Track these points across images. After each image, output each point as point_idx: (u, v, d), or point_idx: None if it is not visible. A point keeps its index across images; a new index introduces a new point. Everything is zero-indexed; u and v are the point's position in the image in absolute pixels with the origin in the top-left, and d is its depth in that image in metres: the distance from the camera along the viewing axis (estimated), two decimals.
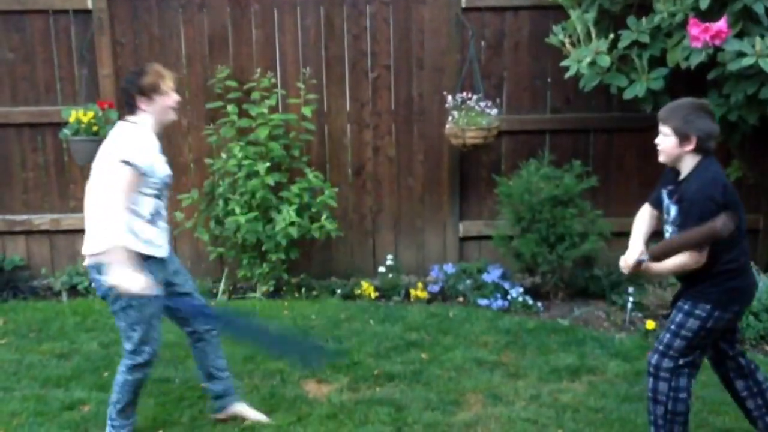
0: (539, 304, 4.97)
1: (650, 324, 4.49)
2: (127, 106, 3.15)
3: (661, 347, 2.98)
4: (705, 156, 2.90)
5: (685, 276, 3.00)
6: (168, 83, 3.14)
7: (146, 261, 3.05)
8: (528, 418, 3.47)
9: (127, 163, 2.97)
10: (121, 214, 2.96)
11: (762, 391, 3.12)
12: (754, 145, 5.07)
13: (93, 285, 3.11)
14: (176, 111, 3.20)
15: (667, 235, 3.05)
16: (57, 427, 3.39)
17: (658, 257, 2.94)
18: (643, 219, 3.21)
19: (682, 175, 2.95)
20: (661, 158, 2.99)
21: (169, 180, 3.17)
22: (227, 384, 3.45)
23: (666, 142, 2.93)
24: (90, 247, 3.07)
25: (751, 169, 5.04)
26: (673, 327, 2.96)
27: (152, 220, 3.11)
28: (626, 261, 3.05)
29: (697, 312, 2.92)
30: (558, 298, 5.10)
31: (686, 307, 2.95)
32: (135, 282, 2.90)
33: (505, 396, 3.70)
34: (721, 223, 2.76)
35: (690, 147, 2.88)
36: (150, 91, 3.09)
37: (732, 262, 2.91)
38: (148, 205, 3.09)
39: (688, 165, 2.92)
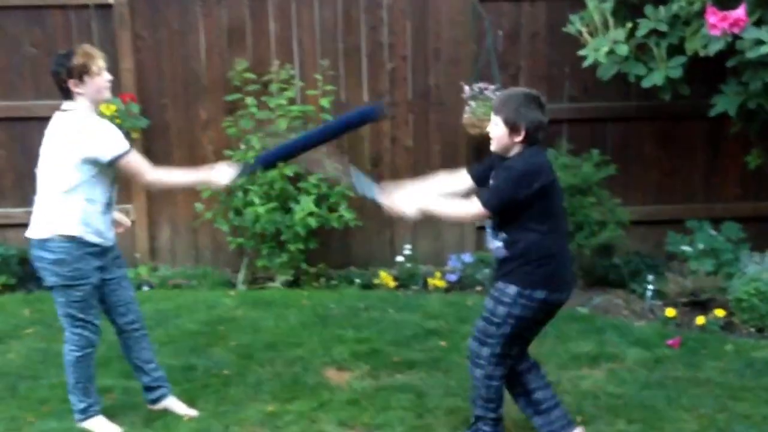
0: None
1: (670, 312, 4.51)
2: (60, 92, 3.14)
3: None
4: (532, 146, 2.94)
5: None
6: (99, 63, 3.13)
7: (92, 248, 3.14)
8: None
9: (129, 151, 3.09)
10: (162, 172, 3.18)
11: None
12: None
13: (38, 263, 3.18)
14: (109, 89, 3.20)
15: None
16: None
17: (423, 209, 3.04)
18: (449, 179, 3.29)
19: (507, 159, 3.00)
20: (493, 147, 3.01)
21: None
22: (155, 376, 3.46)
23: (497, 131, 2.96)
24: (35, 231, 3.16)
25: None
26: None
27: (105, 209, 3.19)
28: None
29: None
30: (577, 286, 5.11)
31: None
32: None
33: None
34: (472, 210, 2.92)
35: (519, 138, 2.91)
36: (81, 73, 3.09)
37: (546, 256, 2.93)
38: (103, 193, 3.17)
39: (514, 152, 2.96)
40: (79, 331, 3.20)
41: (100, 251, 3.20)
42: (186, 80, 5.42)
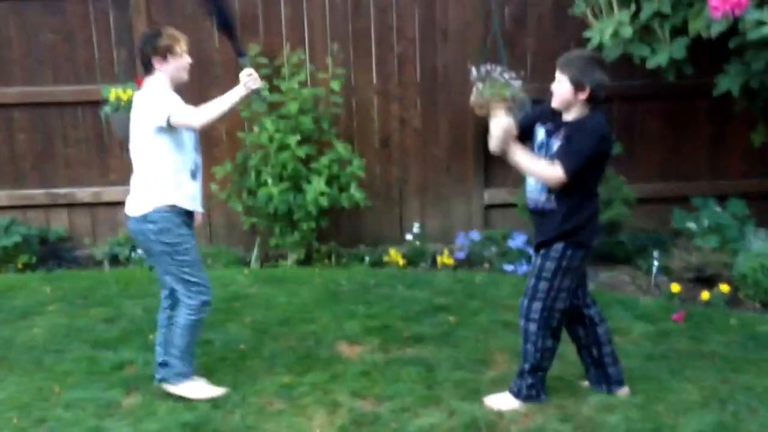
0: None
1: (675, 287, 4.60)
2: (143, 67, 3.37)
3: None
4: (594, 106, 3.08)
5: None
6: (182, 45, 3.33)
7: (186, 216, 3.34)
8: (553, 375, 3.58)
9: (176, 106, 3.24)
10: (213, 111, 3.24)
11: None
12: None
13: (142, 237, 3.35)
14: (188, 71, 3.38)
15: None
16: (108, 385, 3.60)
17: (510, 152, 3.16)
18: None
19: (567, 118, 3.11)
20: (554, 103, 3.13)
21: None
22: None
23: (561, 88, 3.08)
24: (131, 207, 3.35)
25: None
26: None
27: (193, 176, 3.39)
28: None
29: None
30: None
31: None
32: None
33: None
34: (556, 176, 3.01)
35: (583, 96, 3.04)
36: (165, 52, 3.29)
37: (590, 217, 3.13)
38: (187, 160, 3.36)
39: (576, 112, 3.08)
40: (194, 293, 3.38)
41: (192, 219, 3.43)
42: (200, 65, 5.46)
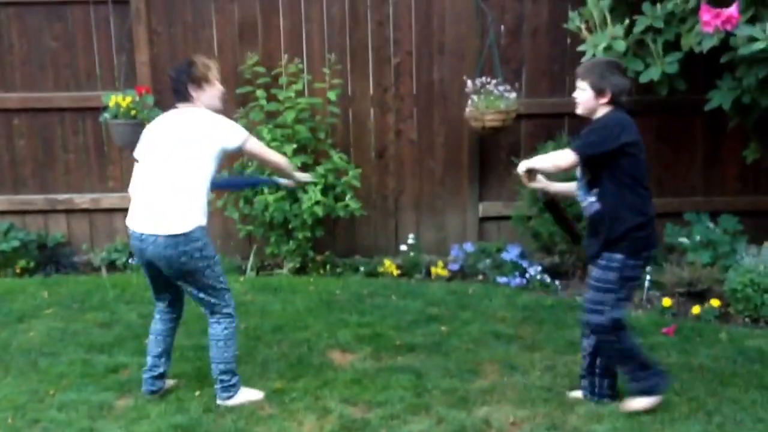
0: (557, 282, 5.14)
1: (667, 301, 4.64)
2: (177, 95, 3.40)
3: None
4: (617, 108, 3.20)
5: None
6: (215, 74, 3.41)
7: (207, 229, 3.38)
8: (543, 386, 3.64)
9: (248, 137, 3.40)
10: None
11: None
12: None
13: (184, 258, 3.28)
14: (222, 100, 3.47)
15: (579, 195, 3.36)
16: (102, 388, 3.64)
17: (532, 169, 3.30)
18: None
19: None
20: (578, 110, 3.29)
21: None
22: (168, 366, 3.62)
23: (583, 95, 3.23)
24: (173, 226, 3.27)
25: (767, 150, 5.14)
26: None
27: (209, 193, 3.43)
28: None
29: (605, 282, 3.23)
30: (576, 277, 5.26)
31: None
32: None
33: (521, 366, 3.87)
34: (565, 154, 3.17)
35: (605, 100, 3.18)
36: (201, 81, 3.36)
37: (639, 214, 3.20)
38: (210, 187, 3.42)
39: (599, 113, 3.23)
40: (228, 300, 3.44)
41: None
42: None
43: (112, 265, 5.58)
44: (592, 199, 3.24)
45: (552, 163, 3.26)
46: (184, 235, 3.26)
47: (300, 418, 3.35)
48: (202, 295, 3.40)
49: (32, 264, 5.49)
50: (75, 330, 4.38)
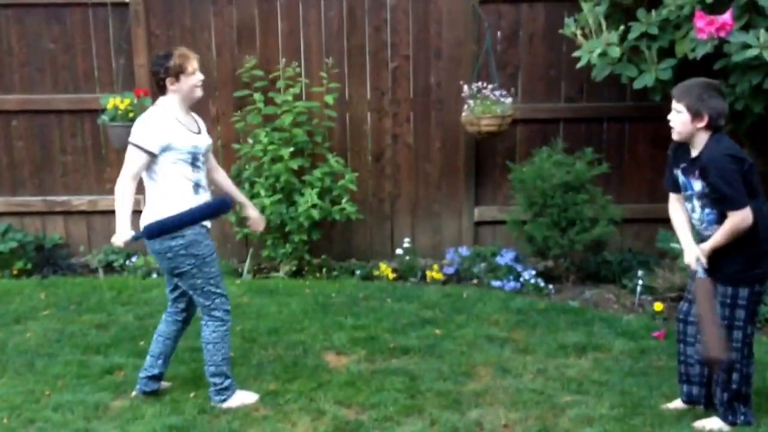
0: (551, 286, 5.17)
1: (658, 306, 4.67)
2: (157, 88, 3.44)
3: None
4: (714, 133, 3.07)
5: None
6: (193, 64, 3.41)
7: (201, 229, 3.37)
8: (534, 389, 3.67)
9: (135, 146, 3.31)
10: (126, 189, 3.31)
11: None
12: (763, 134, 5.20)
13: (170, 254, 3.36)
14: (201, 88, 3.46)
15: (689, 208, 3.21)
16: (98, 389, 3.67)
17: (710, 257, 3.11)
18: (678, 210, 3.32)
19: (695, 153, 3.12)
20: (674, 135, 3.16)
21: (197, 150, 3.41)
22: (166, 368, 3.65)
23: (679, 118, 3.10)
24: (144, 220, 3.39)
25: (760, 157, 5.18)
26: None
27: (196, 190, 3.41)
28: (690, 262, 3.17)
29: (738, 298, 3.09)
30: (569, 281, 5.29)
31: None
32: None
33: (514, 369, 3.91)
34: (740, 217, 2.98)
35: (702, 124, 3.04)
36: (177, 73, 3.36)
37: (754, 237, 3.08)
38: (188, 177, 3.39)
39: (700, 142, 3.09)
40: (219, 304, 3.44)
41: (206, 232, 3.46)
42: None
43: (109, 267, 5.60)
44: (711, 217, 3.13)
45: (736, 232, 3.04)
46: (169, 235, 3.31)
47: (294, 419, 3.38)
48: (192, 294, 3.45)
49: (29, 265, 5.51)
50: (71, 331, 4.40)
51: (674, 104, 3.11)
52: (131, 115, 5.07)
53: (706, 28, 3.97)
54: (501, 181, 5.63)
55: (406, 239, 5.65)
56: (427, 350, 4.14)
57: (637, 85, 4.54)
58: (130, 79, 5.51)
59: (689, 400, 3.39)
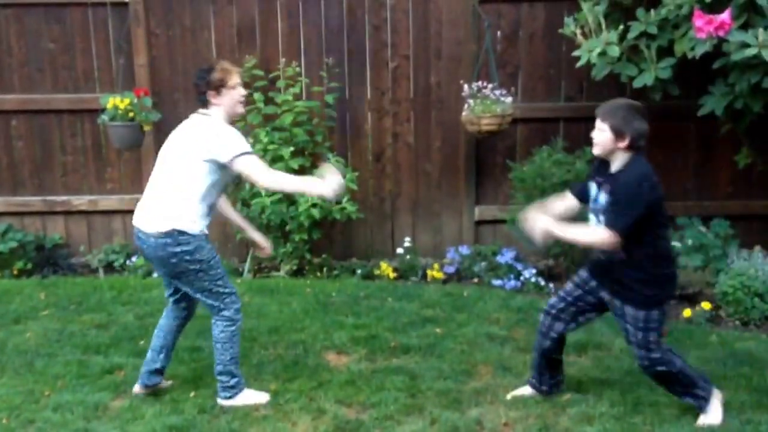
0: (551, 285, 5.18)
1: None
2: (199, 101, 3.43)
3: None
4: (636, 153, 3.15)
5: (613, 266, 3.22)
6: (235, 78, 3.40)
7: (203, 236, 3.37)
8: None
9: (249, 153, 3.31)
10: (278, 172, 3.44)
11: None
12: (762, 133, 5.21)
13: (174, 259, 3.33)
14: (243, 104, 3.47)
15: (590, 219, 3.30)
16: (97, 389, 3.67)
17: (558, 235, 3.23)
18: (561, 202, 3.45)
19: (613, 169, 3.20)
20: (595, 150, 3.24)
21: (235, 173, 3.41)
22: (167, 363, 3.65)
23: (602, 137, 3.18)
24: (155, 224, 3.33)
25: (759, 155, 5.19)
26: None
27: (209, 212, 3.41)
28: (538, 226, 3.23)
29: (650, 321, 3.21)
30: (569, 279, 5.29)
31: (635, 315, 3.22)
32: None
33: (515, 367, 3.91)
34: (605, 236, 3.09)
35: (623, 144, 3.13)
36: (219, 86, 3.36)
37: (662, 262, 3.20)
38: (213, 197, 3.41)
39: (619, 160, 3.17)
40: (229, 303, 3.44)
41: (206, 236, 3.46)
42: None
43: (109, 267, 5.61)
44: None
45: (590, 243, 3.23)
46: (169, 236, 3.28)
47: (294, 419, 3.38)
48: (198, 295, 3.44)
49: (30, 265, 5.52)
50: (71, 331, 4.41)
51: (598, 123, 3.19)
52: (131, 114, 5.07)
53: (705, 27, 3.97)
54: (501, 180, 5.64)
55: (407, 238, 5.66)
56: (428, 349, 4.14)
57: (637, 84, 4.54)
58: (130, 79, 5.51)
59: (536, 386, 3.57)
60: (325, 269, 5.50)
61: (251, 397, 3.54)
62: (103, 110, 5.20)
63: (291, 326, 4.46)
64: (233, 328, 3.47)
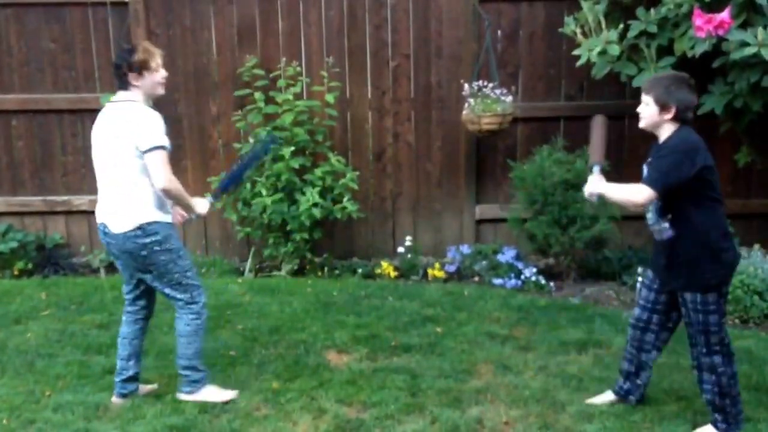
0: (552, 283, 5.18)
1: None
2: (119, 82, 3.36)
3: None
4: (683, 125, 3.10)
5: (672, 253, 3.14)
6: (157, 60, 3.35)
7: (169, 225, 3.38)
8: (535, 386, 3.68)
9: (163, 147, 3.26)
10: (178, 184, 3.34)
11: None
12: (762, 132, 5.21)
13: (143, 252, 3.32)
14: (163, 86, 3.41)
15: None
16: (98, 389, 3.66)
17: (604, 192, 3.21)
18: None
19: (660, 141, 3.15)
20: (641, 124, 3.19)
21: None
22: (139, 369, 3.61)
23: (647, 110, 3.13)
24: (122, 223, 3.31)
25: (759, 154, 5.19)
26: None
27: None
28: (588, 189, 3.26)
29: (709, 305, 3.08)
30: (570, 278, 5.31)
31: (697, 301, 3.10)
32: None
33: (515, 366, 3.91)
34: (642, 193, 3.01)
35: (669, 116, 3.07)
36: (141, 68, 3.30)
37: (714, 228, 3.08)
38: None
39: (665, 133, 3.12)
40: (197, 296, 3.43)
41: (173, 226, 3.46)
42: (197, 76, 5.64)
43: (111, 267, 5.61)
44: (666, 225, 3.11)
45: (626, 198, 3.13)
46: (139, 228, 3.28)
47: (295, 418, 3.38)
48: (167, 290, 3.41)
49: (30, 265, 5.52)
50: (72, 331, 4.41)
51: (643, 96, 3.15)
52: None
53: (704, 26, 3.99)
54: (502, 179, 5.64)
55: (408, 237, 5.66)
56: (429, 348, 4.15)
57: (637, 83, 4.55)
58: None
59: (624, 394, 3.46)
60: (326, 268, 5.51)
61: (214, 393, 3.53)
62: None
63: (292, 325, 4.46)
64: (199, 321, 3.46)
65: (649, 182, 3.03)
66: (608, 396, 3.50)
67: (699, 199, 3.05)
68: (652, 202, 3.10)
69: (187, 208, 3.48)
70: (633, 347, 3.39)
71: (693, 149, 3.01)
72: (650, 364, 3.39)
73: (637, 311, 3.38)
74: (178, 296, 3.42)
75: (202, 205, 3.52)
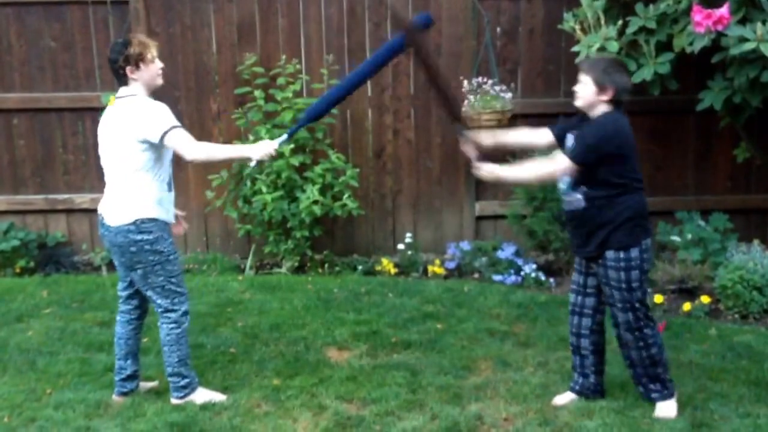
0: (552, 280, 5.19)
1: (658, 298, 4.68)
2: (117, 77, 3.36)
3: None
4: (616, 107, 3.18)
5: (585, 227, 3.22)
6: (153, 51, 3.35)
7: (166, 226, 3.38)
8: (535, 382, 3.69)
9: (176, 126, 3.27)
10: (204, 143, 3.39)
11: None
12: (761, 127, 5.22)
13: (133, 248, 3.31)
14: (162, 76, 3.41)
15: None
16: (99, 386, 3.68)
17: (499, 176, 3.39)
18: (529, 132, 3.54)
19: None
20: (577, 103, 3.25)
21: None
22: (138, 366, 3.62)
23: (585, 90, 3.20)
24: (116, 216, 3.32)
25: (758, 150, 5.19)
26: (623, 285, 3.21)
27: (169, 188, 3.42)
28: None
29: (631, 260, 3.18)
30: (570, 274, 5.30)
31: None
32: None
33: (515, 362, 3.93)
34: (559, 165, 3.15)
35: (606, 97, 3.15)
36: (137, 61, 3.30)
37: (629, 209, 3.17)
38: (166, 173, 3.40)
39: (598, 113, 3.20)
40: (178, 303, 3.41)
41: (169, 228, 3.46)
42: (198, 73, 5.65)
43: (112, 264, 5.61)
44: (579, 196, 3.21)
45: (541, 174, 3.29)
46: (134, 224, 3.27)
47: (295, 415, 3.40)
48: (150, 292, 3.39)
49: (32, 263, 5.54)
50: (74, 329, 4.42)
51: (581, 76, 3.21)
52: None
53: (703, 21, 3.99)
54: None
55: (408, 234, 5.67)
56: (429, 345, 4.16)
57: (636, 79, 4.54)
58: None
59: (581, 390, 3.47)
60: (326, 265, 5.52)
61: (205, 396, 3.52)
62: (104, 108, 5.20)
63: (292, 322, 4.48)
64: (179, 330, 3.42)
65: (573, 155, 3.14)
66: (568, 396, 3.50)
67: (617, 178, 3.13)
68: (569, 175, 3.21)
69: (240, 159, 3.42)
70: (572, 334, 3.49)
71: (620, 129, 3.13)
72: (591, 350, 3.43)
73: (571, 296, 3.49)
74: (158, 301, 3.40)
75: (259, 149, 3.35)
